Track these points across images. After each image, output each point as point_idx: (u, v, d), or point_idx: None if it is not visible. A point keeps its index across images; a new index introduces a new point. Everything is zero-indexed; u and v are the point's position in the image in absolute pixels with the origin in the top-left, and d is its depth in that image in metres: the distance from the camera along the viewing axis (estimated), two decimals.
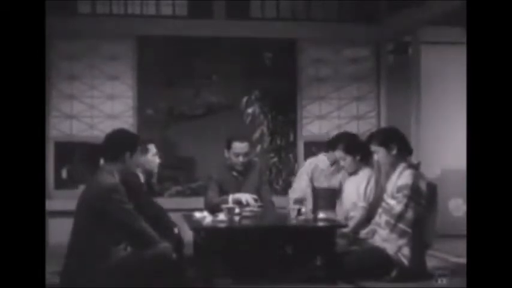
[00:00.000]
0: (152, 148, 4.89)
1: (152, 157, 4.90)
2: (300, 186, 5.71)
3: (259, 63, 7.55)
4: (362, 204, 5.15)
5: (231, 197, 5.20)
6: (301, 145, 7.51)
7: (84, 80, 7.24)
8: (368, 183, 5.18)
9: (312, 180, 5.70)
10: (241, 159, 5.41)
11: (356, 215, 5.14)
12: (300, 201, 5.50)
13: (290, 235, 4.67)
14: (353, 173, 5.32)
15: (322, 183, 5.69)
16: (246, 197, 5.21)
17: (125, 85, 7.29)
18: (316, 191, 5.66)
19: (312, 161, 5.87)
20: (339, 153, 5.28)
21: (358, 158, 5.24)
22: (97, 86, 7.26)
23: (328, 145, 5.54)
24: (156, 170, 5.01)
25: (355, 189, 5.23)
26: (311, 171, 5.73)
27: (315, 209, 4.97)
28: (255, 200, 5.24)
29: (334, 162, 5.63)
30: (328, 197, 5.62)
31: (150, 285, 3.72)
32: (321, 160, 5.78)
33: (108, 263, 3.65)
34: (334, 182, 5.66)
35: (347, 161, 5.26)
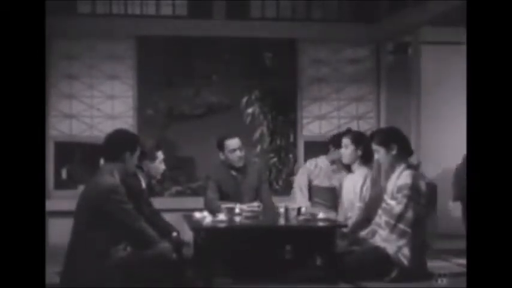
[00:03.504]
0: (160, 155, 4.90)
1: (159, 164, 4.91)
2: (299, 184, 5.76)
3: (259, 63, 7.55)
4: (358, 204, 5.15)
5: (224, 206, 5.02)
6: (301, 145, 7.51)
7: (84, 80, 7.24)
8: (364, 182, 5.18)
9: (311, 178, 5.73)
10: (238, 153, 5.41)
11: (353, 215, 5.14)
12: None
13: (290, 235, 4.67)
14: (349, 168, 5.33)
15: (323, 182, 5.72)
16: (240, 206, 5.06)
17: (125, 85, 7.29)
18: (316, 189, 5.70)
19: (311, 161, 5.92)
20: (345, 140, 5.28)
21: (359, 152, 5.22)
22: (97, 86, 7.26)
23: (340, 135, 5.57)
24: (159, 176, 5.03)
25: (352, 188, 5.23)
26: (309, 170, 5.77)
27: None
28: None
29: (334, 162, 5.67)
30: (328, 196, 5.65)
31: (150, 285, 3.72)
32: (320, 159, 5.83)
33: (108, 263, 3.66)
34: (334, 182, 5.69)
35: (348, 149, 5.24)
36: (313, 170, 5.78)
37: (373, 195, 5.07)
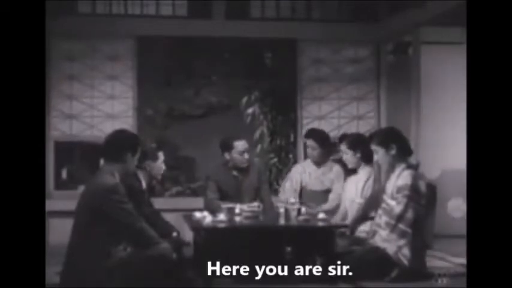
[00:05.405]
0: (161, 155, 4.92)
1: (160, 164, 4.92)
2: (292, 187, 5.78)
3: (259, 63, 7.56)
4: (358, 200, 5.16)
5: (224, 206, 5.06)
6: (301, 145, 7.50)
7: (84, 80, 7.25)
8: (367, 180, 5.18)
9: (302, 184, 5.73)
10: (246, 156, 5.43)
11: (352, 210, 5.15)
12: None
13: (290, 235, 4.67)
14: (352, 171, 5.32)
15: (315, 186, 5.71)
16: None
17: (125, 85, 7.29)
18: (309, 193, 5.68)
19: (297, 166, 5.97)
20: (343, 147, 5.30)
21: (358, 155, 5.22)
22: (97, 86, 7.26)
23: (339, 139, 5.57)
24: (159, 177, 5.04)
25: (354, 187, 5.23)
26: (300, 175, 5.76)
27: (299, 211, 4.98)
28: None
29: (319, 163, 5.67)
30: (323, 199, 5.63)
31: (150, 285, 3.72)
32: (306, 163, 5.86)
33: (108, 263, 3.66)
34: (327, 183, 5.68)
35: (348, 155, 5.25)
36: (302, 174, 5.77)
37: (373, 193, 5.07)
